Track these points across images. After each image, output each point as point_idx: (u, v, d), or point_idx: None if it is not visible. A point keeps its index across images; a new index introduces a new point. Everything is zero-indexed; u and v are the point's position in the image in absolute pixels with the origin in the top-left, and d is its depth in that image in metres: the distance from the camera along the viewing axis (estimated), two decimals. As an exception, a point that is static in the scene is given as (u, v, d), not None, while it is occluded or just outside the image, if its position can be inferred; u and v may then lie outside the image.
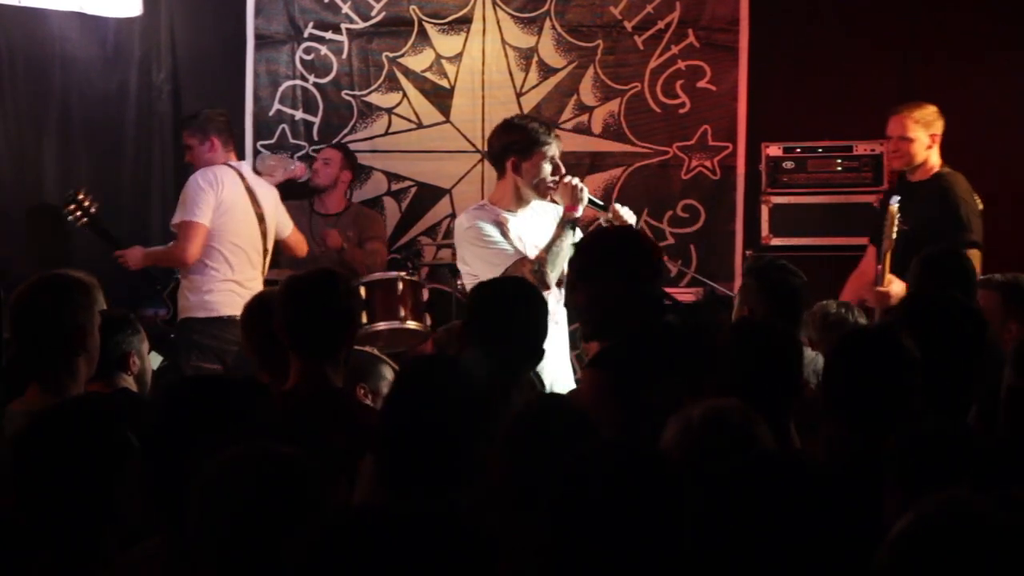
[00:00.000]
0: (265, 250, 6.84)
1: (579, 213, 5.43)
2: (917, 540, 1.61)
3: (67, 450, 2.55)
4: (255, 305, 4.13)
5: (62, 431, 2.58)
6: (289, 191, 7.74)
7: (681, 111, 7.76)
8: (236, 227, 6.70)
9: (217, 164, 6.76)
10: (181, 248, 6.62)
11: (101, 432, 2.58)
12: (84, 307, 3.65)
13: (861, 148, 7.23)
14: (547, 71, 7.85)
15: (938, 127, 6.18)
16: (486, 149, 5.68)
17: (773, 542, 1.86)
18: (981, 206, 6.08)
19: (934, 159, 6.18)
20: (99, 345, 3.75)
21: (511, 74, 7.87)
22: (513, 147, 5.45)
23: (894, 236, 5.61)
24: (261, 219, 6.82)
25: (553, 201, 5.51)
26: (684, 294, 6.04)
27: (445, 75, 7.92)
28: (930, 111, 6.22)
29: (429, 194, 7.96)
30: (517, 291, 3.91)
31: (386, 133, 7.97)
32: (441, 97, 7.93)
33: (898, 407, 3.18)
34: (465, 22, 7.89)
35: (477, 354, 3.55)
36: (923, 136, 6.18)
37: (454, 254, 7.48)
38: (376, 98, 7.96)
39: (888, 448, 2.65)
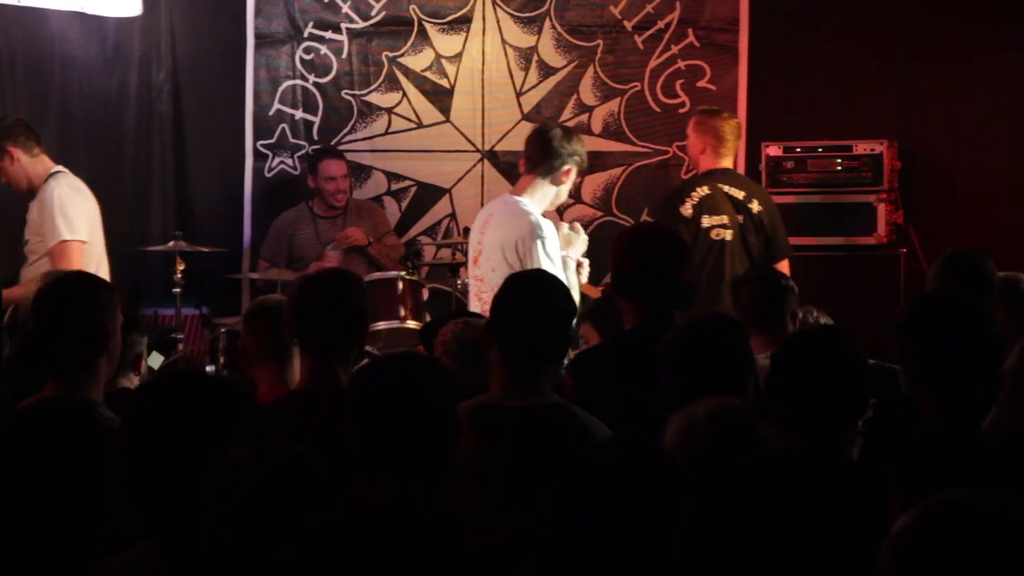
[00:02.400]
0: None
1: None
2: (921, 537, 1.61)
3: (39, 452, 2.52)
4: (261, 307, 4.12)
5: (32, 433, 2.55)
6: (286, 197, 7.74)
7: (681, 111, 7.75)
8: (99, 233, 6.34)
9: (33, 173, 6.24)
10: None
11: (76, 432, 2.55)
12: (109, 308, 3.64)
13: (861, 148, 7.23)
14: (547, 71, 7.85)
15: (710, 135, 6.35)
16: (537, 144, 5.53)
17: (775, 542, 1.85)
18: (689, 212, 6.24)
19: (703, 164, 6.37)
20: (120, 347, 3.74)
21: (511, 74, 7.87)
22: (574, 157, 5.47)
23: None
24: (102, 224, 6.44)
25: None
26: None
27: (445, 75, 7.92)
28: (705, 118, 6.43)
29: (429, 194, 7.96)
30: (539, 283, 3.85)
31: (386, 133, 7.97)
32: (441, 97, 7.93)
33: (843, 410, 3.18)
34: (465, 22, 7.89)
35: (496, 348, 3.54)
36: (691, 139, 6.44)
37: (454, 254, 7.51)
38: (376, 98, 7.96)
39: (892, 450, 2.65)
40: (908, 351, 3.40)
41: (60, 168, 6.33)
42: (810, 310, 5.24)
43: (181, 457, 2.35)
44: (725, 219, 6.27)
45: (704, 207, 6.26)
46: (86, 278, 3.76)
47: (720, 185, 6.31)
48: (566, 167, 5.43)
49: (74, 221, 6.13)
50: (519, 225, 5.35)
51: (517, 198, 5.46)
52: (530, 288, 3.71)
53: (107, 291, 3.67)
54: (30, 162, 6.26)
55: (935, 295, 3.92)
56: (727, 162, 6.40)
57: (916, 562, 1.61)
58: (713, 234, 6.27)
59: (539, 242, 5.29)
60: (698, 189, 6.31)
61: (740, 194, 6.32)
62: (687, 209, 6.27)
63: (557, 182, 5.45)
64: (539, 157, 5.44)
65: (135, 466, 2.42)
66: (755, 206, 6.32)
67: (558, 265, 5.40)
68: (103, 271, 6.17)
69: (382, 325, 6.47)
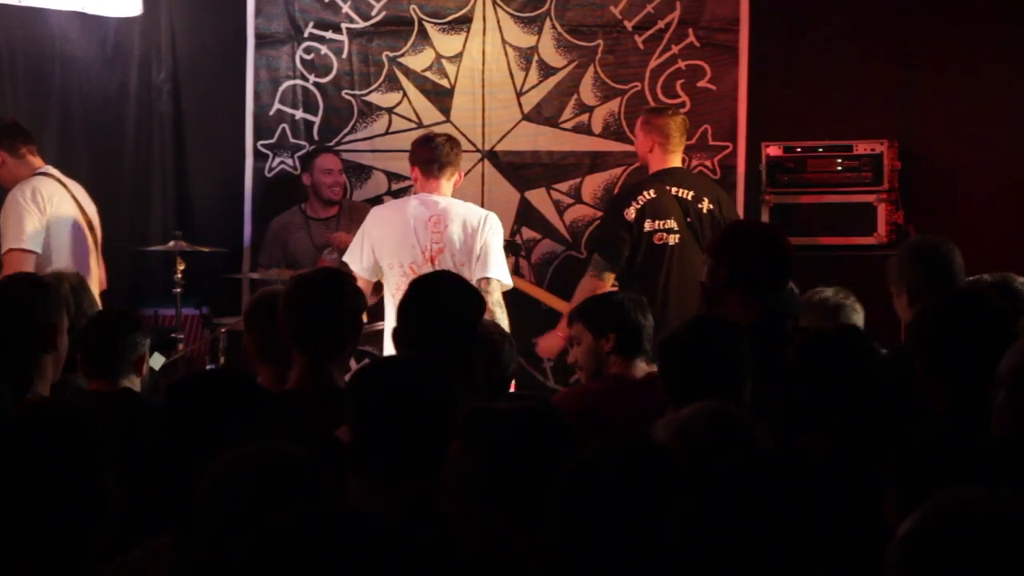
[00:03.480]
0: (97, 262, 6.33)
1: None
2: (925, 538, 1.61)
3: (31, 452, 2.51)
4: (261, 303, 4.13)
5: (24, 433, 2.55)
6: (287, 197, 7.73)
7: (682, 111, 7.74)
8: (74, 241, 6.21)
9: (20, 174, 6.17)
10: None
11: (68, 432, 2.54)
12: (54, 305, 3.65)
13: (861, 148, 7.23)
14: (547, 71, 7.85)
15: (657, 133, 6.39)
16: (433, 153, 6.06)
17: (769, 543, 1.85)
18: (631, 215, 6.28)
19: (652, 165, 6.41)
20: (67, 345, 3.75)
21: (511, 74, 7.87)
22: (461, 161, 6.16)
23: None
24: (91, 228, 6.35)
25: None
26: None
27: (445, 75, 7.92)
28: (652, 117, 6.51)
29: (429, 194, 7.95)
30: (440, 286, 3.86)
31: (386, 133, 7.97)
32: (441, 97, 7.93)
33: (863, 412, 3.19)
34: (465, 22, 7.89)
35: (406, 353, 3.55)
36: (639, 139, 6.51)
37: (454, 254, 7.52)
38: (376, 98, 7.96)
39: (888, 451, 2.64)
40: (925, 349, 3.43)
41: (45, 169, 6.24)
42: (842, 291, 5.19)
43: (211, 453, 2.37)
44: (672, 223, 6.26)
45: (648, 211, 6.26)
46: (30, 277, 3.78)
47: (668, 187, 6.30)
48: (460, 170, 6.12)
49: (24, 230, 6.01)
50: (480, 213, 6.00)
51: (451, 199, 6.03)
52: (435, 289, 3.73)
53: (51, 290, 3.69)
54: (15, 164, 6.21)
55: (958, 294, 3.92)
56: (676, 160, 6.41)
57: (921, 563, 1.61)
58: (656, 239, 6.27)
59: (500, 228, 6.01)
60: (645, 192, 6.31)
61: (689, 194, 6.31)
62: (630, 213, 6.27)
63: (457, 183, 6.12)
64: (444, 163, 6.02)
65: (168, 460, 2.44)
66: (705, 205, 6.31)
67: None
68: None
69: (383, 325, 6.46)
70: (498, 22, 7.87)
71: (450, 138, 6.20)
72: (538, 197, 7.86)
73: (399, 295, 5.78)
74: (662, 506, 2.13)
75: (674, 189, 6.29)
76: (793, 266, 4.21)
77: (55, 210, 6.14)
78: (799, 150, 7.28)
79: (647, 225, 6.26)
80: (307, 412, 3.46)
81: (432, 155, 6.02)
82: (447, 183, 6.03)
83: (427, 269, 5.78)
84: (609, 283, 6.23)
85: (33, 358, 3.59)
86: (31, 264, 6.00)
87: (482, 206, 7.88)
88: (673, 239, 6.23)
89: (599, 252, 6.38)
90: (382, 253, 5.91)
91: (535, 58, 7.85)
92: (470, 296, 3.78)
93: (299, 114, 8.00)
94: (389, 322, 5.90)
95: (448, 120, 7.92)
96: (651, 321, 4.78)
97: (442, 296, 3.69)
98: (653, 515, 2.13)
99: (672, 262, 6.23)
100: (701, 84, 7.72)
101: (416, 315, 3.64)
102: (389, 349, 5.57)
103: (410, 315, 3.66)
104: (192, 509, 2.29)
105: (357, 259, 5.98)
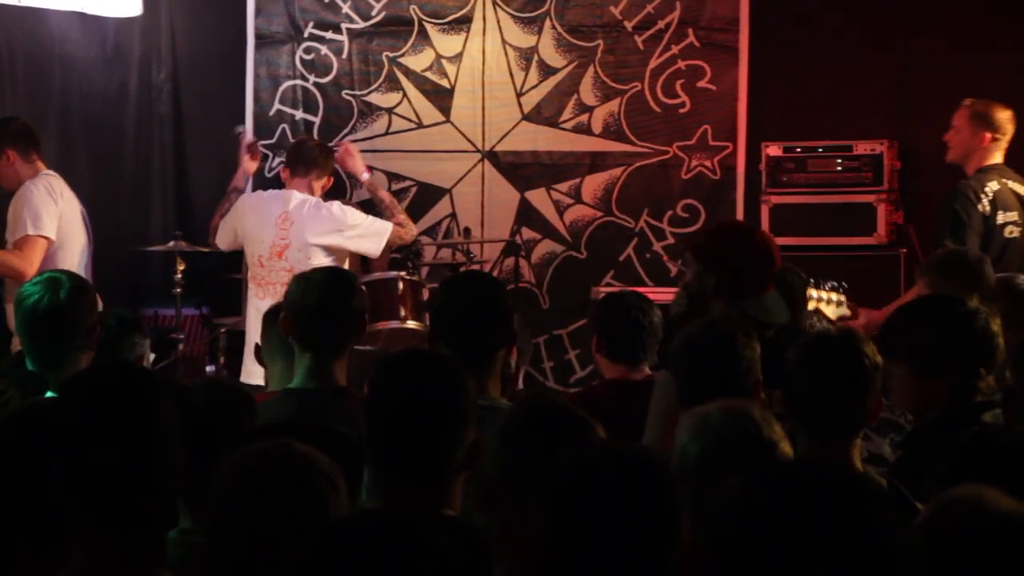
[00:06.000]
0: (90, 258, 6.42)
1: None
2: (935, 530, 1.62)
3: (29, 452, 2.51)
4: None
5: (22, 432, 2.54)
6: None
7: (681, 111, 7.76)
8: (78, 237, 6.31)
9: (24, 176, 6.22)
10: (27, 261, 6.02)
11: (61, 430, 2.54)
12: (94, 306, 3.67)
13: (861, 148, 7.23)
14: (547, 71, 7.85)
15: (995, 128, 6.11)
16: (305, 155, 6.42)
17: (794, 552, 1.82)
18: (986, 209, 5.99)
19: (978, 159, 6.13)
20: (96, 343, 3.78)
21: (511, 74, 7.87)
22: (331, 167, 6.51)
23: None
24: (86, 224, 6.40)
25: None
26: (684, 294, 6.04)
27: (445, 75, 7.92)
28: (989, 111, 6.16)
29: (429, 194, 7.97)
30: (476, 283, 3.86)
31: (386, 133, 7.98)
32: (441, 97, 7.93)
33: (854, 415, 3.21)
34: (465, 22, 7.89)
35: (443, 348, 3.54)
36: (969, 130, 6.16)
37: (454, 254, 7.53)
38: (376, 98, 7.97)
39: (931, 454, 2.63)
40: (908, 352, 3.45)
41: (48, 172, 6.29)
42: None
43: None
44: (1015, 216, 6.04)
45: (998, 203, 6.01)
46: (72, 278, 3.78)
47: (1005, 180, 6.08)
48: (327, 175, 6.45)
49: (41, 218, 6.11)
50: (331, 215, 6.24)
51: (309, 196, 6.31)
52: (474, 287, 3.72)
53: (91, 289, 3.72)
54: (24, 166, 6.24)
55: (934, 297, 3.94)
56: (1001, 156, 6.17)
57: (932, 554, 1.62)
58: (1007, 231, 6.03)
59: (353, 213, 6.30)
60: (988, 184, 6.04)
61: (1021, 188, 6.11)
62: (984, 207, 5.99)
63: (324, 185, 6.44)
64: (311, 165, 6.39)
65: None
66: None
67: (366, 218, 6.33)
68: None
69: (382, 325, 6.47)
70: (498, 22, 7.87)
71: (321, 145, 6.65)
72: (538, 197, 7.87)
73: (252, 285, 6.19)
74: (647, 509, 2.09)
75: (1010, 183, 6.09)
76: (777, 271, 4.13)
77: (65, 204, 6.23)
78: (799, 150, 7.29)
79: (999, 217, 6.00)
80: (309, 410, 3.46)
81: (295, 156, 6.47)
82: (316, 183, 6.34)
83: (274, 264, 6.16)
84: None
85: (73, 360, 3.62)
86: (44, 249, 6.10)
87: (482, 206, 7.93)
88: (1018, 232, 6.05)
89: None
90: (245, 242, 6.29)
91: (535, 58, 7.85)
92: (504, 293, 3.75)
93: (299, 114, 8.00)
94: (252, 323, 5.97)
95: (448, 120, 7.93)
96: (652, 321, 4.65)
97: (477, 293, 3.66)
98: (636, 517, 2.09)
99: (1015, 256, 5.99)
100: (701, 84, 7.72)
101: (451, 312, 3.62)
102: (249, 357, 5.65)
103: (445, 312, 3.64)
104: (203, 507, 2.28)
105: (224, 239, 6.38)
